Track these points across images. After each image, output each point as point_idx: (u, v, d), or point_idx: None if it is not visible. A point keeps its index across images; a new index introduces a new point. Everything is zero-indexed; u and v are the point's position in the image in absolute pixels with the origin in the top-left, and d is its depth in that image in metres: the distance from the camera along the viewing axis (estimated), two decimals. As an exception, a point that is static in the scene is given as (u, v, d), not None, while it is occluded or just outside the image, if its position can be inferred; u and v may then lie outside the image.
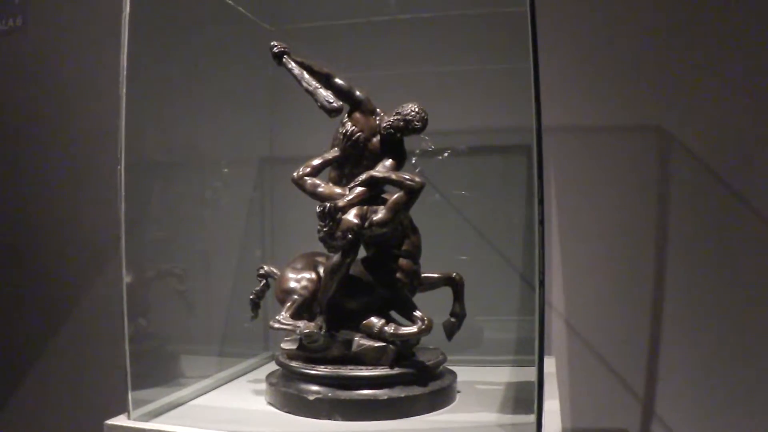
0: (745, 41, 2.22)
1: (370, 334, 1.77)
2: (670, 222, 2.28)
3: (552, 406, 1.70)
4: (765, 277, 2.22)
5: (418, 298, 1.84)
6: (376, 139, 1.86)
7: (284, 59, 1.87)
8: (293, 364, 1.81)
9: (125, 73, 1.71)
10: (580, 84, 2.34)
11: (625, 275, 2.32)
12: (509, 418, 1.69)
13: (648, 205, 2.30)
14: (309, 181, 1.82)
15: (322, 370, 1.74)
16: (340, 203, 1.72)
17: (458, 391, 1.86)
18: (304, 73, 1.85)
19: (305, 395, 1.70)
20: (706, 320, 2.26)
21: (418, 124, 1.80)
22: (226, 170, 2.45)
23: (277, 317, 1.84)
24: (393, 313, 1.84)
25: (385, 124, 1.82)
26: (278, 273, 1.97)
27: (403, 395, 1.69)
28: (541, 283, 1.44)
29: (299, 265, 1.92)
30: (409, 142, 1.88)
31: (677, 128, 2.27)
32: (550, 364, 2.12)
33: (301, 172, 1.83)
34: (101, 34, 2.26)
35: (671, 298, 2.28)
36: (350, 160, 1.86)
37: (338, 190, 1.81)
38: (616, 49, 2.32)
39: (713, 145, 2.24)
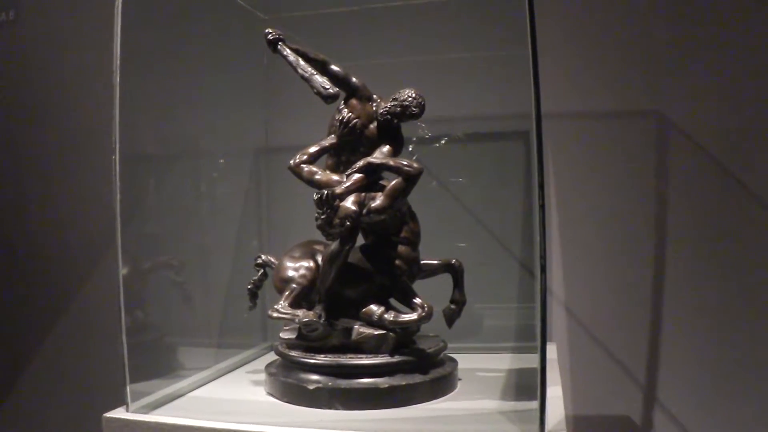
0: (745, 25, 2.21)
1: (370, 322, 1.76)
2: (670, 207, 2.27)
3: (554, 392, 1.70)
4: (765, 263, 2.21)
5: (418, 285, 1.83)
6: (373, 126, 1.84)
7: (279, 46, 1.86)
8: (292, 353, 1.80)
9: (118, 62, 1.69)
10: (578, 69, 2.33)
11: (624, 261, 2.32)
12: (511, 405, 1.68)
13: (647, 191, 2.29)
14: (306, 169, 1.81)
15: (321, 359, 1.74)
16: (338, 190, 1.71)
17: (459, 379, 1.85)
18: (300, 59, 1.83)
19: (305, 385, 1.70)
20: (707, 306, 2.25)
21: (416, 110, 1.79)
22: (222, 161, 2.43)
23: (275, 306, 1.83)
24: (393, 301, 1.83)
25: (382, 110, 1.81)
26: (276, 262, 1.96)
27: (403, 383, 1.68)
28: (543, 268, 1.43)
29: (297, 254, 1.91)
30: (406, 129, 1.87)
31: (676, 113, 2.26)
32: (551, 351, 2.11)
33: (297, 160, 1.81)
34: (94, 27, 2.24)
35: (671, 284, 2.27)
36: (347, 147, 1.85)
37: (335, 177, 1.80)
38: (614, 33, 2.30)
39: (712, 130, 2.23)
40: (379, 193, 1.75)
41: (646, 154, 2.29)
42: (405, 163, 1.74)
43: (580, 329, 2.33)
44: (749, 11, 2.20)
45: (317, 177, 1.80)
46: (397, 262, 1.78)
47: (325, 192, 1.65)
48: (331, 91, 1.79)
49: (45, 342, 2.80)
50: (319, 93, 1.79)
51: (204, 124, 2.31)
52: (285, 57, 1.85)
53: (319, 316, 1.77)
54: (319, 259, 1.86)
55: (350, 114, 1.83)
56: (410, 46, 2.35)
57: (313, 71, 1.82)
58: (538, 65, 1.40)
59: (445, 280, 1.87)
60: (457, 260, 1.87)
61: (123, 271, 1.74)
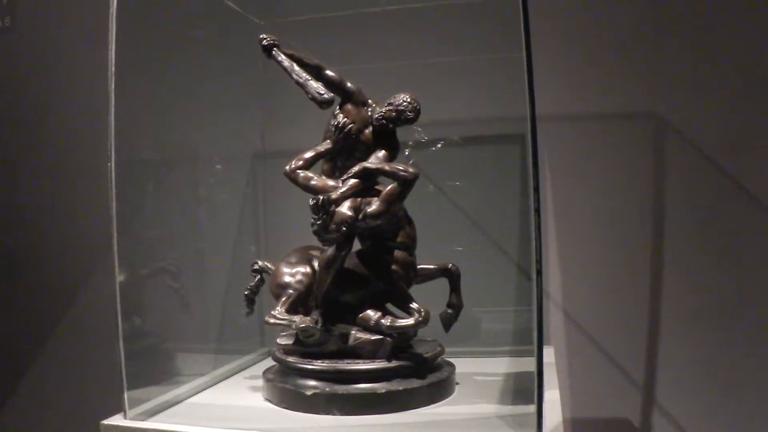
0: (739, 26, 2.21)
1: (367, 327, 1.76)
2: (666, 209, 2.27)
3: (552, 396, 1.70)
4: (763, 263, 2.21)
5: (415, 289, 1.83)
6: (368, 131, 1.85)
7: (274, 52, 1.86)
8: (290, 359, 1.80)
9: (113, 69, 1.69)
10: (573, 72, 2.33)
11: (622, 263, 2.32)
12: (509, 409, 1.69)
13: (644, 192, 2.29)
14: (301, 175, 1.80)
15: (319, 364, 1.73)
16: (334, 196, 1.71)
17: (457, 383, 1.85)
18: (294, 65, 1.83)
19: (303, 390, 1.69)
20: (705, 307, 2.25)
21: (411, 115, 1.79)
22: (218, 166, 2.43)
23: (272, 312, 1.82)
24: (389, 306, 1.83)
25: (377, 115, 1.81)
26: (273, 268, 1.96)
27: (401, 388, 1.68)
28: (539, 272, 1.43)
29: (294, 260, 1.91)
30: (402, 133, 1.87)
31: (671, 114, 2.26)
32: (548, 354, 2.10)
33: (293, 166, 1.81)
34: (90, 33, 2.24)
35: (669, 285, 2.28)
36: (343, 152, 1.85)
37: (331, 182, 1.80)
38: (609, 35, 2.31)
39: (708, 130, 2.23)
40: (375, 198, 1.74)
41: (643, 155, 2.29)
42: (401, 167, 1.74)
43: (577, 332, 2.33)
44: (746, 12, 2.20)
45: (313, 182, 1.80)
46: (394, 266, 1.78)
47: (321, 197, 1.65)
48: (326, 96, 1.78)
49: (42, 348, 2.79)
50: (314, 98, 1.79)
51: (200, 130, 2.31)
52: (280, 63, 1.84)
53: (316, 322, 1.77)
54: (316, 264, 1.86)
55: (345, 119, 1.83)
56: (405, 50, 2.35)
57: (307, 77, 1.81)
58: (533, 68, 1.40)
59: (442, 284, 1.87)
60: (453, 264, 1.87)
61: (120, 277, 1.73)
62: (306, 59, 1.84)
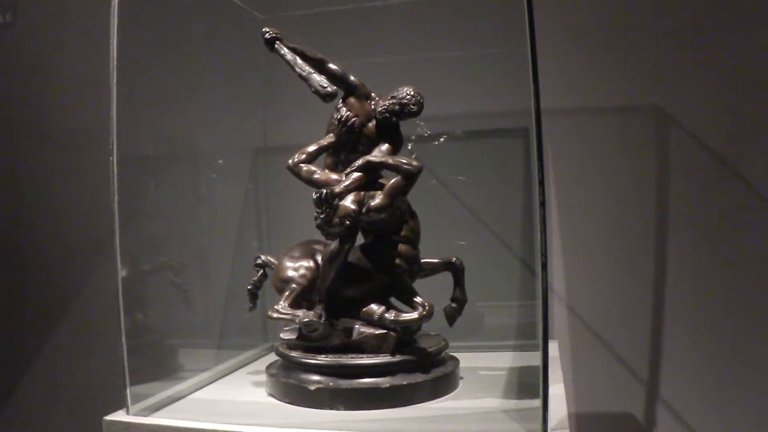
0: (743, 19, 2.20)
1: (371, 321, 1.76)
2: (670, 203, 2.27)
3: (556, 390, 1.69)
4: (767, 257, 2.20)
5: (418, 284, 1.82)
6: (371, 124, 1.84)
7: (276, 45, 1.85)
8: (293, 354, 1.79)
9: (115, 63, 1.68)
10: (577, 65, 2.32)
11: (626, 258, 2.31)
12: (513, 404, 1.68)
13: (647, 186, 2.29)
14: (304, 168, 1.80)
15: (322, 359, 1.73)
16: (337, 189, 1.71)
17: (461, 378, 1.85)
18: (297, 58, 1.83)
19: (306, 385, 1.69)
20: (710, 302, 2.24)
21: (414, 108, 1.78)
22: (220, 161, 2.43)
23: (275, 307, 1.82)
24: (393, 300, 1.83)
25: (380, 109, 1.80)
26: (276, 262, 1.95)
27: (405, 383, 1.68)
28: (544, 265, 1.42)
29: (297, 254, 1.90)
30: (405, 127, 1.86)
31: (675, 108, 2.25)
32: (552, 349, 2.09)
33: (296, 159, 1.80)
34: (91, 29, 2.24)
35: (673, 280, 2.27)
36: (346, 146, 1.84)
37: (334, 176, 1.79)
38: (613, 29, 2.30)
39: (711, 123, 2.22)
40: (379, 192, 1.74)
41: (646, 149, 2.29)
42: (404, 161, 1.74)
43: (581, 326, 2.32)
44: (749, 5, 2.19)
45: (316, 176, 1.79)
46: (398, 260, 1.77)
47: (325, 191, 1.64)
48: (329, 89, 1.78)
49: (45, 345, 2.79)
50: (317, 92, 1.78)
51: (202, 125, 2.31)
52: (282, 56, 1.84)
53: (320, 316, 1.77)
54: (319, 258, 1.86)
55: (349, 112, 1.83)
56: (408, 43, 2.35)
57: (310, 70, 1.81)
58: (537, 61, 1.40)
59: (446, 278, 1.87)
60: (457, 258, 1.86)
61: (122, 272, 1.73)
62: (309, 53, 1.84)
